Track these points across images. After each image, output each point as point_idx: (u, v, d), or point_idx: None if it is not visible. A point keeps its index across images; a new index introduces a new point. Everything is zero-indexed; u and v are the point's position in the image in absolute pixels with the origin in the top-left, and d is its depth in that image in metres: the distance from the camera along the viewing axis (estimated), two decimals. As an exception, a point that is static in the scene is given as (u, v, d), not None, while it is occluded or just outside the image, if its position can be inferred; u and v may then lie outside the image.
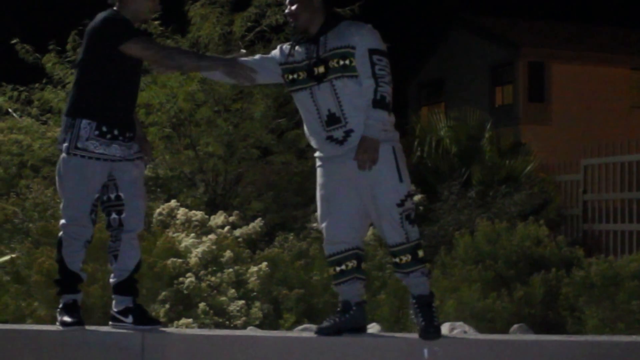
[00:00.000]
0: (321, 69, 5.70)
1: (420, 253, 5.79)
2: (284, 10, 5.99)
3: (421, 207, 14.16)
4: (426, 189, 14.96)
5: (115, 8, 5.90)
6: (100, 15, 5.83)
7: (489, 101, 31.48)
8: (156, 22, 14.29)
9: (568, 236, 14.21)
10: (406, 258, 5.74)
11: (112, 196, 5.90)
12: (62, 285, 5.92)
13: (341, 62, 5.66)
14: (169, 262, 9.29)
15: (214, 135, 14.60)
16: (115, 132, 5.77)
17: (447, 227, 13.06)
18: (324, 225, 5.90)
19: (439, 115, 18.46)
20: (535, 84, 30.95)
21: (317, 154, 5.95)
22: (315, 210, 6.09)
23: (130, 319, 5.93)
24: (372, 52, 5.63)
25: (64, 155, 5.78)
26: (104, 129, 5.73)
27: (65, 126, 5.81)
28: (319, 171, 5.94)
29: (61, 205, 5.90)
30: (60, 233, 5.88)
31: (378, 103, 5.57)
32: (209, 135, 14.69)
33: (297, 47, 5.87)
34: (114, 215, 5.93)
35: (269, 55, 6.05)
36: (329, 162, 5.83)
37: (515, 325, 8.58)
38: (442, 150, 16.72)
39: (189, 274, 9.23)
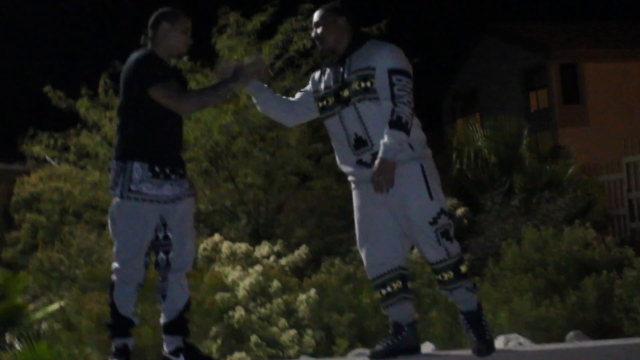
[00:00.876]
0: (346, 93, 5.67)
1: (463, 268, 5.71)
2: (310, 35, 5.98)
3: (465, 220, 14.06)
4: (469, 201, 14.85)
5: (149, 47, 5.91)
6: (132, 57, 5.82)
7: (525, 107, 31.25)
8: (185, 57, 14.33)
9: (616, 236, 14.05)
10: (448, 275, 5.68)
11: (160, 236, 5.87)
12: (113, 329, 5.89)
13: (362, 85, 5.62)
14: (217, 297, 9.28)
15: (251, 166, 14.60)
16: (167, 171, 5.75)
17: (493, 237, 12.93)
18: (363, 248, 5.87)
19: (475, 125, 18.30)
20: (569, 86, 30.69)
21: (349, 177, 5.92)
22: (359, 233, 6.03)
23: (182, 359, 5.89)
24: (391, 72, 5.59)
25: (117, 199, 5.75)
26: (157, 169, 5.70)
27: (116, 170, 5.77)
28: (353, 194, 5.92)
29: (114, 249, 5.85)
30: (113, 277, 5.84)
31: (394, 124, 5.51)
32: (246, 166, 14.69)
33: (327, 72, 5.86)
34: (161, 255, 5.90)
35: (304, 90, 6.05)
36: (361, 185, 5.80)
37: (571, 333, 8.48)
38: (481, 161, 16.57)
39: (238, 307, 9.21)
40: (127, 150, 5.77)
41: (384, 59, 5.62)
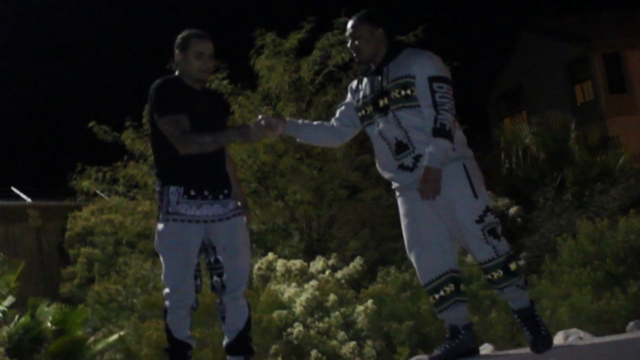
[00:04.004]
0: (385, 101, 5.66)
1: (513, 266, 5.64)
2: (347, 48, 5.99)
3: (519, 219, 13.96)
4: (521, 199, 14.76)
5: (176, 72, 5.91)
6: (153, 84, 5.82)
7: (571, 100, 31.05)
8: (224, 81, 14.37)
9: (674, 222, 13.86)
10: (498, 274, 5.62)
11: (212, 259, 5.86)
12: (170, 354, 5.89)
13: (402, 92, 5.61)
14: (274, 315, 9.27)
15: (300, 183, 14.59)
16: (206, 193, 5.74)
17: (548, 234, 12.82)
18: (413, 254, 5.84)
19: (521, 124, 18.21)
20: (614, 76, 30.45)
21: (393, 185, 5.90)
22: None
23: (243, 378, 5.88)
24: (431, 79, 5.57)
25: (158, 224, 5.77)
26: (192, 192, 5.70)
27: (157, 196, 5.82)
28: (399, 201, 5.90)
29: (162, 275, 5.86)
30: (165, 302, 5.84)
31: (438, 131, 5.49)
32: (295, 183, 14.69)
33: (364, 81, 5.85)
34: (215, 278, 5.88)
35: (344, 104, 6.05)
36: (406, 191, 5.78)
37: (631, 323, 8.36)
38: (530, 158, 16.47)
39: (296, 324, 9.20)
40: (163, 175, 5.79)
41: (423, 67, 5.60)
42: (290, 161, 14.66)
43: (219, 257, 5.84)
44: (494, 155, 17.00)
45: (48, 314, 11.62)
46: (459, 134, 5.71)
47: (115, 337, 10.68)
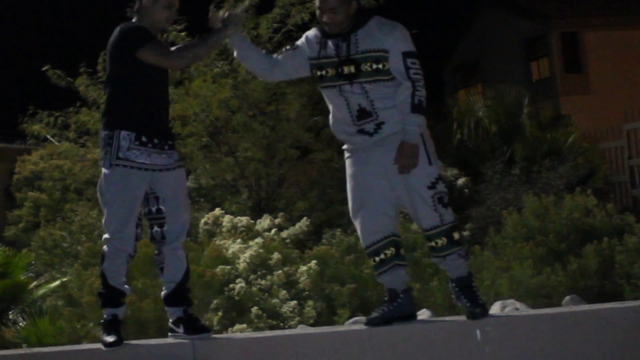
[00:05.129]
0: (352, 69, 5.65)
1: (456, 235, 5.74)
2: (307, 8, 5.95)
3: (466, 190, 14.08)
4: (470, 170, 14.88)
5: (134, 20, 5.92)
6: (117, 28, 5.85)
7: (526, 77, 31.18)
8: (182, 34, 14.29)
9: (617, 203, 14.06)
10: (441, 241, 5.71)
11: (154, 209, 5.87)
12: (103, 299, 5.90)
13: (374, 66, 5.63)
14: (217, 269, 9.29)
15: (252, 140, 14.60)
16: (155, 141, 5.76)
17: (494, 207, 12.95)
18: (358, 215, 5.88)
19: (476, 96, 18.34)
20: (570, 55, 30.63)
21: (345, 146, 5.92)
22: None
23: (181, 329, 5.91)
24: (405, 55, 5.62)
25: (104, 170, 5.76)
26: (144, 139, 5.71)
27: (104, 140, 5.78)
28: (348, 162, 5.92)
29: (103, 220, 5.86)
30: (104, 247, 5.83)
31: (416, 108, 5.57)
32: (247, 140, 14.69)
33: (324, 40, 5.82)
34: (156, 229, 5.90)
35: (297, 48, 5.97)
36: (358, 152, 5.81)
37: (567, 297, 8.48)
38: (482, 131, 16.62)
39: (238, 280, 9.23)
40: (115, 120, 5.78)
41: (397, 42, 5.63)
42: (243, 118, 14.65)
43: (161, 207, 5.86)
44: (446, 126, 17.10)
45: (-9, 256, 11.58)
46: None
47: (57, 282, 10.68)
